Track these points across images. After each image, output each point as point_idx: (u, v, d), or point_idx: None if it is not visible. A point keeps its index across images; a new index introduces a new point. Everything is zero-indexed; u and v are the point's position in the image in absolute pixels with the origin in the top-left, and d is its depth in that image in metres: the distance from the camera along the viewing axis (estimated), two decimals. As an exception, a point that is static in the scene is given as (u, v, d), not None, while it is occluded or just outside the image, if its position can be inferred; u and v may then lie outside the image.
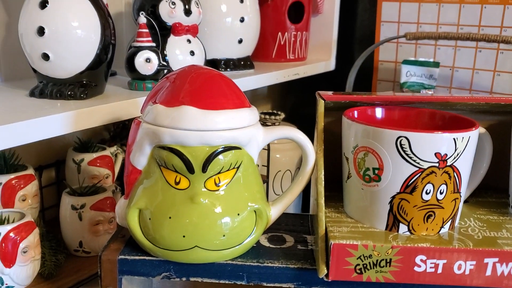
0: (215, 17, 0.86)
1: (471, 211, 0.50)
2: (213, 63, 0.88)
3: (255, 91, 1.33)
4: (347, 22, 1.19)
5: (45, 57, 0.59)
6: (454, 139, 0.41)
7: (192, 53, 0.74)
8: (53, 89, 0.60)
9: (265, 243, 0.50)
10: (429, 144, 0.41)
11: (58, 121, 0.54)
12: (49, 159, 0.80)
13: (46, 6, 0.58)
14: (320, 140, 0.49)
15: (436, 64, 1.07)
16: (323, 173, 0.47)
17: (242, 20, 0.88)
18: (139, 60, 0.66)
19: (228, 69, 0.89)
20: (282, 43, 1.06)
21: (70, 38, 0.58)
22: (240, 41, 0.89)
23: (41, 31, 0.58)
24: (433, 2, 1.09)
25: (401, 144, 0.42)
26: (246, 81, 0.87)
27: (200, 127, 0.43)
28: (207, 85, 0.45)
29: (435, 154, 0.41)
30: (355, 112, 0.49)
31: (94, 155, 0.77)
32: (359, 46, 1.18)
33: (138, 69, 0.66)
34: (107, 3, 0.70)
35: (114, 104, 0.60)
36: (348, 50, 1.20)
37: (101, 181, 0.75)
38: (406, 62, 1.09)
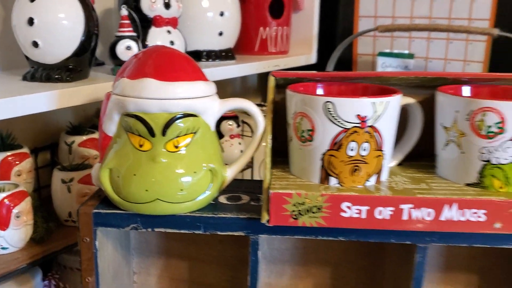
0: (197, 12, 0.94)
1: (401, 170, 0.57)
2: (196, 54, 0.95)
3: (246, 83, 1.41)
4: (328, 18, 1.27)
5: (35, 44, 0.67)
6: (372, 103, 0.48)
7: (172, 43, 0.82)
8: (42, 73, 0.68)
9: (223, 201, 0.57)
10: (351, 107, 0.48)
11: (45, 98, 0.62)
12: (44, 142, 0.88)
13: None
14: (269, 110, 0.56)
15: (410, 56, 1.14)
16: (270, 136, 0.54)
17: (222, 14, 0.95)
18: (120, 48, 0.74)
19: (210, 60, 0.96)
20: (264, 37, 1.14)
21: (57, 28, 0.66)
22: (221, 34, 0.97)
23: (31, 21, 0.65)
24: (407, -4, 1.16)
25: (327, 108, 0.49)
26: (228, 70, 0.95)
27: (160, 96, 0.51)
28: (168, 61, 0.53)
29: (357, 116, 0.48)
30: (298, 87, 0.56)
31: (84, 137, 0.85)
32: (340, 40, 1.24)
33: (119, 56, 0.74)
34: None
35: (96, 86, 0.68)
36: (330, 44, 1.27)
37: (90, 160, 0.83)
38: (382, 54, 1.16)
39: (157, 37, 0.81)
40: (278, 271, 0.67)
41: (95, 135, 0.86)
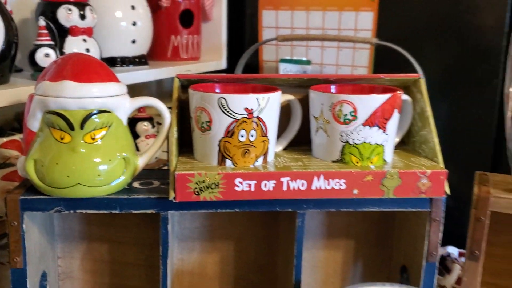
0: (111, 22, 1.02)
1: (285, 153, 0.69)
2: (111, 60, 1.03)
3: (161, 88, 1.49)
4: (236, 28, 1.39)
5: (-43, 52, 0.72)
6: (256, 98, 0.60)
7: (87, 50, 0.90)
8: (-35, 78, 0.74)
9: (136, 185, 0.67)
10: (239, 102, 0.60)
11: (-31, 101, 0.68)
12: (-36, 144, 0.92)
13: (-44, 11, 0.71)
14: (174, 106, 0.66)
15: (308, 62, 1.29)
16: (175, 128, 0.64)
17: (134, 24, 1.04)
18: (39, 55, 0.81)
19: (124, 65, 1.05)
20: (176, 44, 1.24)
21: (-22, 37, 0.73)
22: (134, 42, 1.05)
23: (-48, 31, 0.71)
24: (302, 10, 1.31)
25: (221, 103, 0.60)
26: (141, 74, 1.04)
27: (78, 95, 0.59)
28: (84, 65, 0.62)
29: (245, 109, 0.60)
30: (199, 87, 0.67)
31: (5, 139, 0.90)
32: (248, 48, 1.38)
33: (38, 62, 0.81)
34: (11, 10, 0.85)
35: (17, 89, 0.74)
36: (239, 51, 1.39)
37: (11, 160, 0.88)
38: (283, 60, 1.30)
39: (73, 45, 0.88)
40: (189, 247, 0.78)
41: (16, 137, 0.92)
